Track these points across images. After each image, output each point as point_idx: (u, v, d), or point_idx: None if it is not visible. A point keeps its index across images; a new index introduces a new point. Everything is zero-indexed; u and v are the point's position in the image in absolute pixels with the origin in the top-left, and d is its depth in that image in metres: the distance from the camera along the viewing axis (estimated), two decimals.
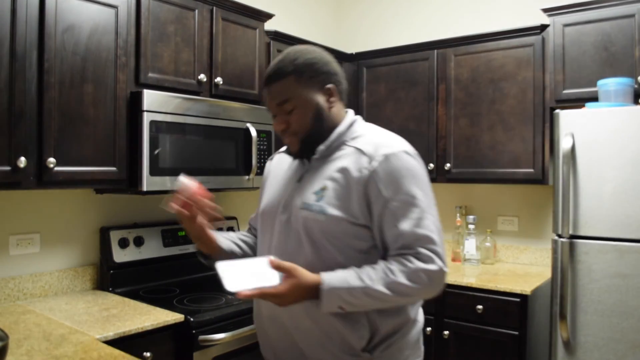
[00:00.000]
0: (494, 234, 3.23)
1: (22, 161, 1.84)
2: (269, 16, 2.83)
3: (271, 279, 1.24)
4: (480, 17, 3.33)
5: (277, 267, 1.25)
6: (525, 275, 2.82)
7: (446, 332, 2.73)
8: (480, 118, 2.98)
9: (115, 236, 2.45)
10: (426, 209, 1.31)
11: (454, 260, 3.22)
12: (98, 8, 2.10)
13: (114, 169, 2.16)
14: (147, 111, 2.19)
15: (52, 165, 1.93)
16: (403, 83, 3.27)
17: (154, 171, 2.20)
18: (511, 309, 2.56)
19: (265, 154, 2.60)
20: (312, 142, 1.37)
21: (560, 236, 2.34)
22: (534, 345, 2.68)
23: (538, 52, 2.78)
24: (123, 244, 2.46)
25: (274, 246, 1.39)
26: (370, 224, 1.31)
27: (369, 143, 1.34)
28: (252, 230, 1.68)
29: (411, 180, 1.30)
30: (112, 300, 2.26)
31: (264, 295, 1.22)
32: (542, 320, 2.73)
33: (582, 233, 2.31)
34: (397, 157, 1.30)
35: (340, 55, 3.44)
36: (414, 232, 1.27)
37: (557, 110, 2.40)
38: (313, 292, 1.25)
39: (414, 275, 1.24)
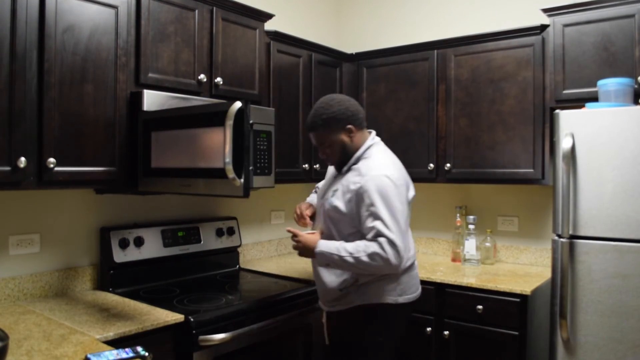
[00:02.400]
0: (494, 234, 3.23)
1: (22, 161, 1.84)
2: (269, 16, 2.83)
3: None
4: (480, 17, 3.33)
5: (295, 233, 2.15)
6: (525, 276, 2.82)
7: (446, 332, 2.73)
8: (480, 118, 2.98)
9: (115, 236, 2.45)
10: (386, 217, 1.95)
11: (454, 260, 3.22)
12: (98, 8, 2.10)
13: (114, 169, 2.16)
14: (147, 111, 2.20)
15: (52, 165, 1.93)
16: (403, 83, 3.27)
17: (154, 172, 2.20)
18: (511, 309, 2.56)
19: (266, 154, 2.60)
20: (341, 163, 2.16)
21: (560, 236, 2.34)
22: (534, 345, 2.68)
23: (538, 52, 2.78)
24: (123, 244, 2.46)
25: (319, 220, 2.21)
26: (354, 216, 2.03)
27: (366, 166, 2.06)
28: (316, 190, 2.53)
29: (383, 196, 1.97)
30: (112, 300, 2.27)
31: (294, 234, 2.13)
32: (542, 320, 2.73)
33: (582, 233, 2.30)
34: (378, 179, 1.99)
35: (340, 55, 3.45)
36: (379, 229, 1.94)
37: (557, 111, 2.39)
38: (311, 251, 2.06)
39: (372, 255, 1.93)
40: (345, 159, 2.13)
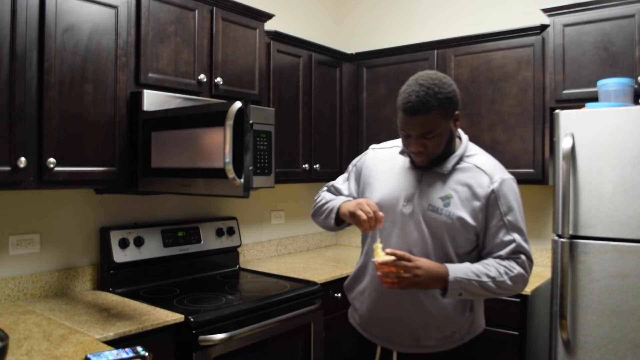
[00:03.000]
0: None
1: (22, 161, 1.84)
2: (269, 16, 2.83)
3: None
4: (480, 17, 3.33)
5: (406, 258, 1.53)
6: None
7: None
8: (480, 118, 2.98)
9: (115, 236, 2.45)
10: (524, 227, 1.64)
11: None
12: (98, 8, 2.10)
13: (114, 169, 2.16)
14: (147, 111, 2.20)
15: (52, 165, 1.93)
16: (403, 83, 3.25)
17: (154, 172, 2.20)
18: (511, 309, 2.56)
19: (266, 154, 2.60)
20: (439, 160, 1.65)
21: (560, 236, 2.34)
22: (534, 345, 2.67)
23: (538, 52, 2.78)
24: (123, 244, 2.46)
25: (396, 234, 1.67)
26: (480, 230, 1.62)
27: (484, 164, 1.67)
28: (335, 194, 1.93)
29: (518, 203, 1.64)
30: (112, 300, 2.26)
31: (404, 259, 1.51)
32: (542, 320, 2.73)
33: (582, 233, 2.30)
34: (510, 182, 1.65)
35: (340, 55, 3.45)
36: (520, 243, 1.61)
37: (557, 111, 2.39)
38: (440, 279, 1.53)
39: (515, 278, 1.58)
40: (443, 156, 1.64)
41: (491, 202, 1.60)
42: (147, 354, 1.65)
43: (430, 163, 1.64)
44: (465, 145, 1.70)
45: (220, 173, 1.91)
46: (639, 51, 2.44)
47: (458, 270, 1.54)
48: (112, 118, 2.15)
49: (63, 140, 1.99)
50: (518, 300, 2.54)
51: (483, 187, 1.61)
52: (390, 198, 1.69)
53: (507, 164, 2.86)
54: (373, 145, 1.90)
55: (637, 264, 2.18)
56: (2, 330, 1.33)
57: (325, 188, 1.97)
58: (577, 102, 2.59)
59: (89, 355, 1.56)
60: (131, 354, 1.61)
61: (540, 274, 2.87)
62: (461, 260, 1.61)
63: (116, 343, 1.80)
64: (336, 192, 1.91)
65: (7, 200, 2.21)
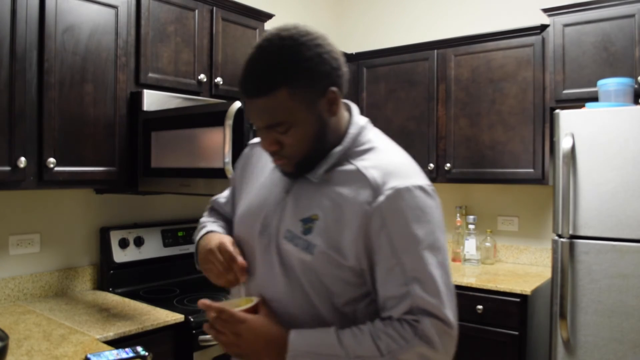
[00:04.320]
0: (494, 234, 3.23)
1: (22, 161, 1.84)
2: (269, 16, 2.83)
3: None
4: (480, 17, 3.33)
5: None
6: (525, 275, 2.82)
7: None
8: (480, 118, 2.98)
9: (115, 236, 2.45)
10: (441, 262, 1.01)
11: (454, 260, 3.22)
12: (98, 8, 2.10)
13: (114, 169, 2.16)
14: (147, 111, 2.20)
15: (52, 165, 1.94)
16: (403, 83, 3.27)
17: (154, 172, 2.20)
18: (511, 309, 2.56)
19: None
20: (310, 163, 1.08)
21: (560, 236, 2.34)
22: (534, 345, 2.67)
23: (538, 52, 2.78)
24: (123, 244, 2.46)
25: (255, 277, 1.13)
26: (367, 270, 1.04)
27: (377, 167, 1.04)
28: (218, 213, 1.40)
29: (428, 229, 1.01)
30: (112, 300, 2.26)
31: (224, 314, 1.02)
32: (542, 320, 2.73)
33: (582, 233, 2.30)
34: (413, 194, 1.01)
35: None
36: (423, 298, 0.98)
37: (557, 110, 2.39)
38: (276, 352, 1.01)
39: (406, 356, 0.98)
40: (315, 157, 1.07)
41: (374, 229, 1.00)
42: (147, 353, 1.65)
43: (301, 168, 1.08)
44: (355, 137, 1.10)
45: (220, 173, 1.91)
46: (639, 51, 2.44)
47: (306, 341, 1.01)
48: (112, 118, 2.15)
49: (63, 140, 1.99)
50: (518, 300, 2.54)
51: (362, 203, 1.01)
52: (248, 221, 1.16)
53: (507, 164, 2.89)
54: (252, 140, 1.34)
55: (637, 264, 2.18)
56: (2, 330, 1.33)
57: (209, 205, 1.43)
58: (577, 102, 2.59)
59: (89, 355, 1.56)
60: (131, 354, 1.61)
61: (540, 274, 2.87)
62: (346, 313, 1.06)
63: (116, 343, 1.80)
64: (219, 210, 1.39)
65: (7, 200, 2.21)
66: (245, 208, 1.19)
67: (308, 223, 1.05)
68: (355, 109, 1.16)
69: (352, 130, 1.10)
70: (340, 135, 1.10)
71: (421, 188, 1.03)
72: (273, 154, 1.07)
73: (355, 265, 1.02)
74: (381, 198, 1.00)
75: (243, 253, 1.15)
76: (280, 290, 1.08)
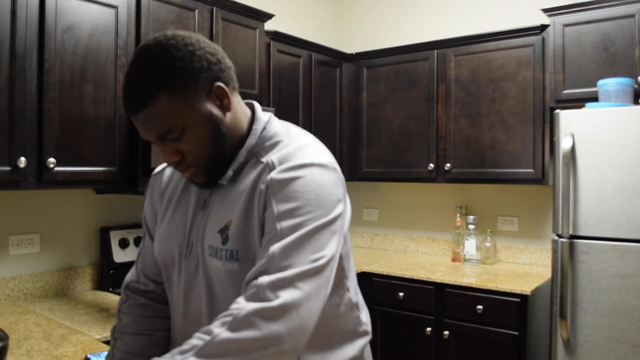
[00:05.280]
0: (494, 234, 3.23)
1: (22, 161, 1.84)
2: (269, 16, 2.83)
3: None
4: (480, 17, 3.33)
5: None
6: (525, 275, 2.82)
7: (446, 332, 2.73)
8: (480, 118, 2.98)
9: (115, 236, 2.45)
10: (314, 229, 0.93)
11: (454, 260, 3.22)
12: (98, 8, 2.10)
13: (114, 169, 2.16)
14: None
15: (52, 165, 1.93)
16: (403, 83, 3.27)
17: (152, 172, 2.19)
18: (511, 309, 2.56)
19: None
20: (220, 166, 1.03)
21: (560, 236, 2.34)
22: (534, 345, 2.68)
23: (538, 52, 2.78)
24: (123, 244, 2.46)
25: (179, 310, 1.08)
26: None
27: (281, 153, 1.01)
28: (132, 302, 1.23)
29: (316, 201, 0.95)
30: (112, 300, 2.26)
31: None
32: (542, 320, 2.73)
33: (582, 233, 2.30)
34: (307, 169, 0.97)
35: (340, 55, 3.45)
36: (275, 255, 0.90)
37: (557, 110, 2.40)
38: None
39: (236, 324, 0.85)
40: (221, 158, 1.03)
41: (267, 203, 0.96)
42: None
43: (212, 173, 1.04)
44: (259, 132, 1.06)
45: None
46: (639, 51, 2.44)
47: None
48: (112, 118, 2.15)
49: (63, 140, 1.99)
50: (518, 300, 2.54)
51: (260, 184, 0.99)
52: (170, 246, 1.10)
53: (507, 164, 2.89)
54: (154, 171, 1.28)
55: (637, 264, 2.18)
56: (2, 330, 1.33)
57: (123, 286, 1.28)
58: (577, 102, 2.59)
59: (89, 355, 1.56)
60: None
61: (540, 274, 2.87)
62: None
63: None
64: (136, 289, 1.26)
65: (7, 200, 2.21)
66: (165, 234, 1.12)
67: (225, 231, 1.01)
68: (257, 106, 1.12)
69: (256, 127, 1.06)
70: (243, 134, 1.06)
71: (319, 164, 0.98)
72: (177, 165, 1.02)
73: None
74: (273, 173, 0.97)
75: (170, 282, 1.12)
76: (208, 310, 1.03)
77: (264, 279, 0.87)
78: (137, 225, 2.57)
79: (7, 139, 1.82)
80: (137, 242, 2.51)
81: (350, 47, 3.78)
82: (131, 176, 2.23)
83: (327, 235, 0.94)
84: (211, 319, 1.01)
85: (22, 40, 1.86)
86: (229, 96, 1.01)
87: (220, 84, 1.00)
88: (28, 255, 2.27)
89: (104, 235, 2.46)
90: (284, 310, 0.86)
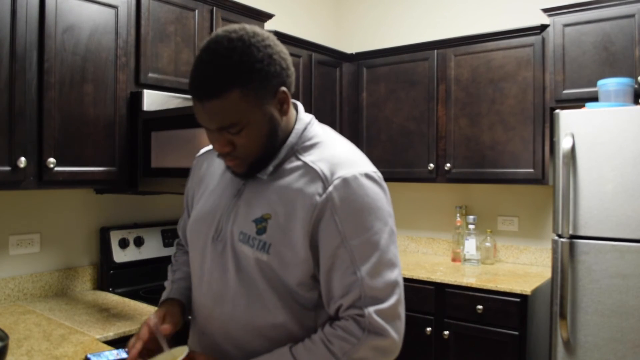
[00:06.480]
0: (494, 234, 3.23)
1: (22, 161, 1.84)
2: (269, 16, 2.83)
3: None
4: (480, 17, 3.33)
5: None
6: (525, 275, 2.82)
7: (446, 332, 2.73)
8: (480, 118, 2.98)
9: (115, 236, 2.45)
10: (386, 247, 1.02)
11: (454, 260, 3.22)
12: (98, 8, 2.10)
13: (114, 169, 2.16)
14: (147, 111, 2.20)
15: (52, 165, 1.93)
16: (403, 83, 3.27)
17: (154, 172, 2.20)
18: (511, 309, 2.56)
19: None
20: (262, 163, 1.08)
21: (560, 236, 2.34)
22: (534, 345, 2.68)
23: (538, 52, 2.78)
24: (123, 244, 2.46)
25: (203, 288, 1.14)
26: (316, 268, 1.04)
27: (324, 160, 1.05)
28: (184, 251, 1.39)
29: (378, 215, 1.02)
30: (112, 300, 2.26)
31: None
32: (542, 320, 2.73)
33: (582, 233, 2.30)
34: (359, 182, 1.02)
35: (340, 55, 3.45)
36: (369, 285, 0.99)
37: (557, 110, 2.40)
38: None
39: (360, 354, 0.98)
40: (267, 156, 1.08)
41: (325, 219, 1.01)
42: None
43: (253, 168, 1.08)
44: (300, 132, 1.10)
45: None
46: (639, 51, 2.44)
47: None
48: (112, 118, 2.15)
49: (63, 140, 1.99)
50: (518, 300, 2.54)
51: (313, 196, 1.02)
52: (201, 227, 1.16)
53: (507, 164, 2.89)
54: (199, 153, 1.34)
55: (637, 264, 2.18)
56: (2, 330, 1.33)
57: (176, 240, 1.44)
58: (577, 102, 2.59)
59: (89, 355, 1.56)
60: None
61: (540, 274, 2.87)
62: (309, 315, 1.08)
63: (116, 343, 1.80)
64: (184, 246, 1.41)
65: (7, 200, 2.21)
66: (197, 215, 1.19)
67: (261, 223, 1.05)
68: (300, 107, 1.17)
69: (298, 126, 1.11)
70: (288, 133, 1.10)
71: (367, 175, 1.04)
72: (225, 155, 1.06)
73: (307, 259, 1.03)
74: (330, 188, 1.01)
75: (193, 259, 1.18)
76: (241, 302, 1.08)
77: (372, 310, 0.99)
78: (137, 225, 2.57)
79: (7, 139, 1.83)
80: (137, 242, 2.51)
81: (350, 47, 3.78)
82: (131, 176, 2.23)
83: (394, 246, 1.05)
84: (234, 301, 1.08)
85: (22, 40, 1.86)
86: (289, 101, 1.07)
87: (285, 89, 1.05)
88: (28, 255, 2.27)
89: (104, 235, 2.46)
90: (395, 342, 1.02)
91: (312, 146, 1.10)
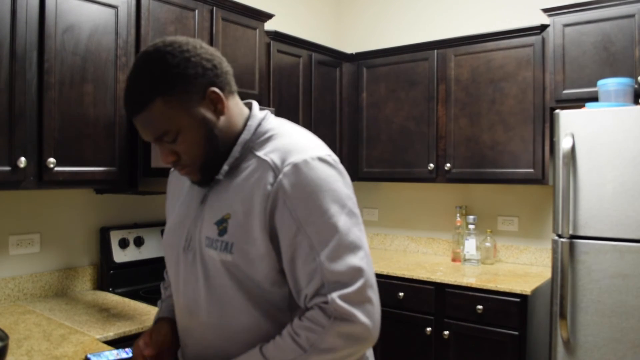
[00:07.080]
0: (494, 234, 3.23)
1: (22, 161, 1.84)
2: (269, 16, 2.83)
3: None
4: (480, 17, 3.33)
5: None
6: (525, 275, 2.82)
7: (446, 332, 2.73)
8: (480, 118, 2.98)
9: (115, 236, 2.45)
10: (347, 228, 0.99)
11: (454, 260, 3.22)
12: (98, 8, 2.10)
13: (114, 169, 2.16)
14: None
15: (52, 165, 1.93)
16: (403, 83, 3.27)
17: (154, 172, 2.20)
18: (511, 309, 2.56)
19: None
20: (214, 165, 1.08)
21: (560, 236, 2.34)
22: (534, 345, 2.68)
23: (538, 52, 2.78)
24: (123, 244, 2.46)
25: (180, 300, 1.14)
26: (280, 261, 1.03)
27: (276, 150, 1.05)
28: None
29: (335, 196, 1.00)
30: (112, 300, 2.26)
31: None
32: (542, 320, 2.73)
33: (582, 233, 2.30)
34: (310, 165, 1.00)
35: (340, 55, 3.45)
36: (332, 269, 0.96)
37: (557, 110, 2.40)
38: None
39: (328, 343, 0.95)
40: (214, 158, 1.08)
41: (279, 208, 1.00)
42: None
43: (206, 172, 1.09)
44: (253, 128, 1.10)
45: None
46: (639, 51, 2.44)
47: None
48: (112, 118, 2.15)
49: (63, 140, 1.99)
50: (518, 300, 2.54)
51: (265, 186, 1.01)
52: (171, 240, 1.17)
53: (507, 164, 2.89)
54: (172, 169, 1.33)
55: (637, 264, 2.18)
56: (2, 330, 1.33)
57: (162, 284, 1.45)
58: (577, 102, 2.59)
59: (89, 355, 1.56)
60: (131, 354, 1.61)
61: (540, 274, 2.87)
62: (265, 298, 1.06)
63: (116, 343, 1.80)
64: None
65: (7, 200, 2.21)
66: (168, 228, 1.21)
67: (222, 224, 1.05)
68: (255, 104, 1.16)
69: (251, 122, 1.11)
70: (239, 132, 1.10)
71: (320, 159, 1.02)
72: (174, 165, 1.09)
73: (268, 252, 1.02)
74: (280, 176, 1.00)
75: (171, 273, 1.18)
76: (215, 308, 1.07)
77: (335, 296, 0.95)
78: (137, 225, 2.57)
79: (7, 139, 1.82)
80: (137, 242, 2.51)
81: (350, 47, 3.78)
82: (131, 176, 2.23)
83: (357, 228, 1.02)
84: (208, 310, 1.07)
85: (22, 40, 1.86)
86: (223, 100, 1.06)
87: (215, 89, 1.04)
88: (28, 255, 2.27)
89: (104, 235, 2.46)
90: (367, 327, 0.98)
91: (266, 140, 1.08)
